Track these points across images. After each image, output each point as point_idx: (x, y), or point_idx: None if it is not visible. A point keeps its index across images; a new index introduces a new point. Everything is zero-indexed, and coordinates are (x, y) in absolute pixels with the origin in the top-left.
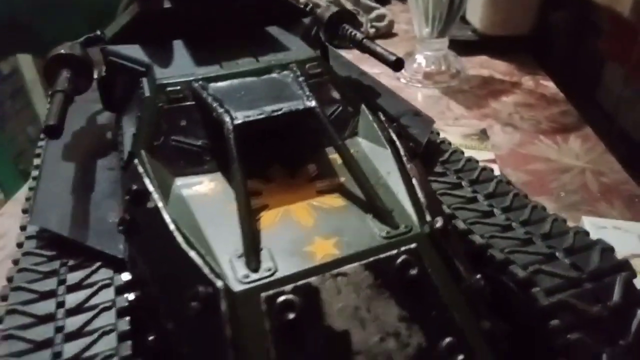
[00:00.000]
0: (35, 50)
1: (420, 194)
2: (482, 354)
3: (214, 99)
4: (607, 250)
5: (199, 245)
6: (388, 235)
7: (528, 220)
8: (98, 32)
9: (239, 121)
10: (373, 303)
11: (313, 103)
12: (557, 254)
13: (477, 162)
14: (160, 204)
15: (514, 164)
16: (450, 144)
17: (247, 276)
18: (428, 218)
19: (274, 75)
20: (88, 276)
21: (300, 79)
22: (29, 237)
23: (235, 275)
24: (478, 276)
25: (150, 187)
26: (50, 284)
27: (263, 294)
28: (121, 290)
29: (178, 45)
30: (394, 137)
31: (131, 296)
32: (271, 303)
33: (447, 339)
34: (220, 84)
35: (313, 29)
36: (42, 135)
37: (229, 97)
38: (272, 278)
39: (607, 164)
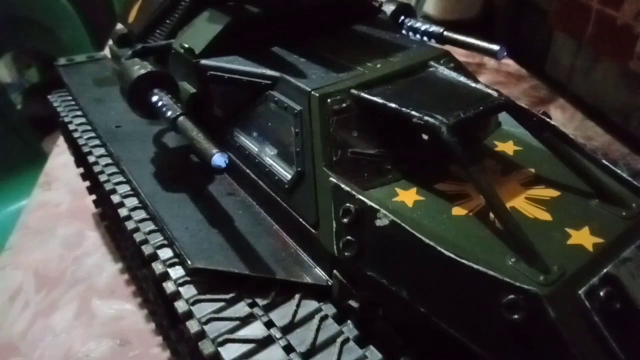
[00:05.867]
0: None
1: (619, 171)
2: None
3: (400, 105)
4: None
5: (469, 256)
6: (630, 215)
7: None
8: (144, 45)
9: (452, 122)
10: None
11: (503, 97)
12: None
13: None
14: (398, 220)
15: None
16: None
17: (546, 278)
18: None
19: (420, 75)
20: (295, 312)
21: (462, 75)
22: (181, 284)
23: (535, 278)
24: None
25: (374, 205)
26: (257, 329)
27: (580, 291)
28: (342, 318)
29: (284, 53)
30: (549, 121)
31: (351, 324)
32: (593, 297)
33: None
34: (377, 89)
35: (391, 24)
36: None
37: (405, 101)
38: (569, 274)
39: (591, 129)
